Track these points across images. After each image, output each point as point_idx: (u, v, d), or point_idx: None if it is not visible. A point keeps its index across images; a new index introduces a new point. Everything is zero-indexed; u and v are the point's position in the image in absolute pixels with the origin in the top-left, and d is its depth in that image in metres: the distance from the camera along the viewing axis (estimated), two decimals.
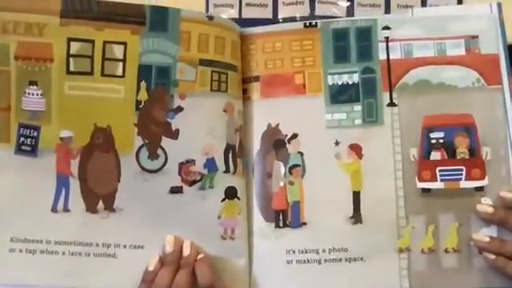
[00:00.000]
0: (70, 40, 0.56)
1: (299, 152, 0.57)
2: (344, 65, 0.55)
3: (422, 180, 0.54)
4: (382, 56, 0.56)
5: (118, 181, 0.60)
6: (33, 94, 0.55)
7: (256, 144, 0.59)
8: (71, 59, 0.56)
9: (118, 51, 0.57)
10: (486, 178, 0.55)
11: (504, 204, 0.56)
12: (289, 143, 0.57)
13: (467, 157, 0.55)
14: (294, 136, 0.56)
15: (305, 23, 0.58)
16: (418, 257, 0.58)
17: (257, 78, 0.58)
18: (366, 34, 0.56)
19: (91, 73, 0.56)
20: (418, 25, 0.56)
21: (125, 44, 0.57)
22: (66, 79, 0.56)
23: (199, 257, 0.64)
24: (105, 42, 0.57)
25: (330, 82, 0.55)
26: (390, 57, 0.55)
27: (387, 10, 1.60)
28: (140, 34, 0.57)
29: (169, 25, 0.59)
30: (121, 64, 0.57)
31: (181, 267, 0.63)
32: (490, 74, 0.52)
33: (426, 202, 0.56)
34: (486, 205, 0.56)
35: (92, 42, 0.56)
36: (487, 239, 0.56)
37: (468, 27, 0.56)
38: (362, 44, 0.56)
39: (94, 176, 0.60)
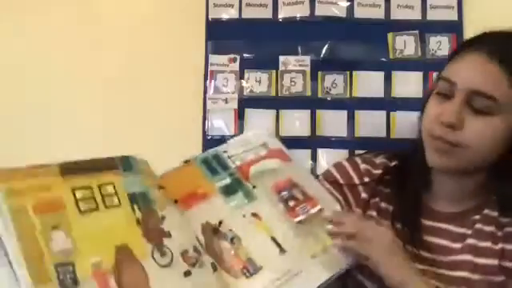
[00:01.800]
0: (73, 189, 0.71)
1: (230, 229, 0.82)
2: (218, 176, 0.86)
3: (295, 217, 0.86)
4: (234, 164, 0.89)
5: (148, 283, 0.71)
6: (58, 237, 0.66)
7: (201, 238, 0.81)
8: (80, 203, 0.70)
9: (109, 189, 0.74)
10: (319, 204, 0.88)
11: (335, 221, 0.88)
12: (220, 227, 0.82)
13: (302, 197, 0.88)
14: (220, 222, 0.82)
15: (183, 161, 0.90)
16: (322, 255, 0.86)
17: (177, 201, 0.84)
18: (218, 158, 0.91)
19: (97, 208, 0.71)
20: (239, 145, 0.94)
21: (112, 183, 0.75)
22: (81, 217, 0.69)
23: None
24: (99, 185, 0.74)
25: (219, 186, 0.85)
26: (237, 164, 0.89)
27: (387, 10, 1.60)
28: (120, 174, 0.77)
29: (133, 165, 0.80)
30: (115, 197, 0.74)
31: None
32: (283, 156, 0.94)
33: (302, 226, 0.86)
34: (329, 227, 0.87)
35: (90, 187, 0.73)
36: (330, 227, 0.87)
37: (260, 139, 0.96)
38: (220, 162, 0.89)
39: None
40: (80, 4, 1.67)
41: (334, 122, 1.58)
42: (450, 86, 0.86)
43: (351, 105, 1.57)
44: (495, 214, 0.89)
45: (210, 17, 1.64)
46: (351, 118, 1.57)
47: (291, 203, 0.86)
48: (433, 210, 0.94)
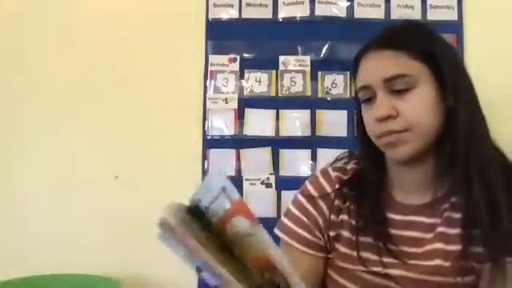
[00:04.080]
0: None
1: None
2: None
3: None
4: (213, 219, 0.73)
5: None
6: None
7: None
8: None
9: None
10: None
11: None
12: None
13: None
14: None
15: None
16: None
17: None
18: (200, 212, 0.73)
19: None
20: (204, 193, 0.74)
21: None
22: None
23: None
24: None
25: None
26: (215, 220, 0.72)
27: (387, 10, 1.60)
28: None
29: None
30: None
31: None
32: (248, 214, 0.73)
33: None
34: None
35: None
36: None
37: (219, 183, 0.76)
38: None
39: None
40: (80, 4, 1.68)
41: (333, 122, 1.58)
42: (368, 90, 0.93)
43: (351, 105, 1.57)
44: (462, 200, 0.91)
45: (209, 17, 1.64)
46: (351, 118, 1.57)
47: None
48: (402, 204, 0.97)
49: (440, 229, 0.92)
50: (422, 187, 0.95)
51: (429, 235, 0.92)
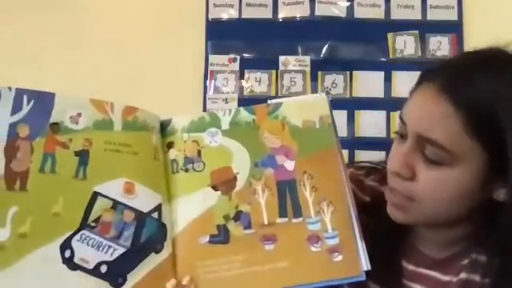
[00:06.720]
0: None
1: None
2: None
3: None
4: None
5: None
6: None
7: None
8: None
9: None
10: None
11: None
12: None
13: None
14: None
15: None
16: None
17: None
18: None
19: None
20: None
21: None
22: None
23: None
24: None
25: None
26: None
27: (387, 10, 1.60)
28: None
29: None
30: None
31: None
32: None
33: None
34: None
35: None
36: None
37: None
38: None
39: None
40: (81, 4, 1.68)
41: None
42: (404, 126, 0.72)
43: (351, 105, 1.57)
44: (483, 258, 0.75)
45: (209, 17, 1.64)
46: (351, 118, 1.57)
47: None
48: (421, 253, 0.82)
49: None
50: (442, 244, 0.79)
51: None
